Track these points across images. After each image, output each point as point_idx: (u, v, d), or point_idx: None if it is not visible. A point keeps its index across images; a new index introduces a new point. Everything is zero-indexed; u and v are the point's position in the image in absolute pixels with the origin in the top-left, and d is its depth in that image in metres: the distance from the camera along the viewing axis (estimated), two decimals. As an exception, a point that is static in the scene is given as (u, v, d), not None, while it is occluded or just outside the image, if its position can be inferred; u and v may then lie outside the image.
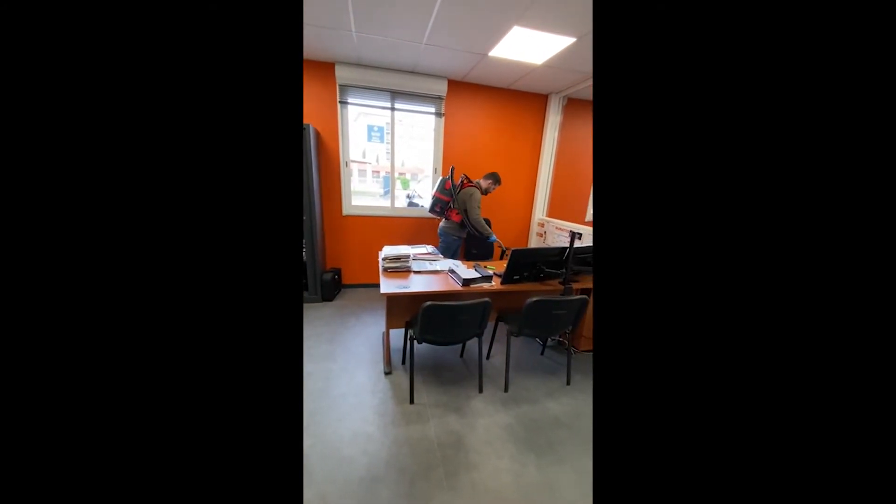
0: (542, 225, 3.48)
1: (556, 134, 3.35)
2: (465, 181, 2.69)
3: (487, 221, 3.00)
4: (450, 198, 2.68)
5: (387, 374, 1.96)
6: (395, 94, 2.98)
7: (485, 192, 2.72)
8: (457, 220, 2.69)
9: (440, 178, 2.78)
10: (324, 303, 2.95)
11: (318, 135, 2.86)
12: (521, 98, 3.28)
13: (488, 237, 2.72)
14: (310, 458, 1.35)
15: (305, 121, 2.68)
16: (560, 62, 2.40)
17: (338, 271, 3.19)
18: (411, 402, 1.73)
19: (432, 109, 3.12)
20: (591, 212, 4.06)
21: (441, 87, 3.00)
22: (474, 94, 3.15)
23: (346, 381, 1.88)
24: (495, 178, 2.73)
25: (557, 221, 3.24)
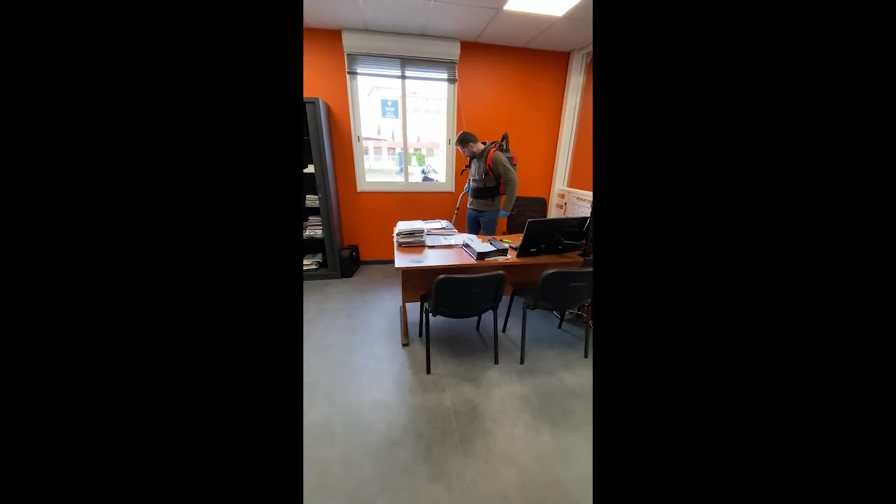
0: (563, 196, 3.33)
1: (579, 98, 3.10)
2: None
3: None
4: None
5: (404, 345, 2.02)
6: (406, 62, 2.84)
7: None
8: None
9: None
10: (343, 279, 3.03)
11: (328, 109, 2.81)
12: (539, 58, 3.04)
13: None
14: (332, 424, 1.43)
15: (314, 94, 2.63)
16: (584, 12, 2.17)
17: (355, 248, 3.24)
18: (428, 371, 1.78)
19: (444, 76, 2.97)
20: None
21: (454, 51, 2.82)
22: (488, 55, 2.94)
23: (365, 352, 1.94)
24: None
25: (579, 192, 3.08)
